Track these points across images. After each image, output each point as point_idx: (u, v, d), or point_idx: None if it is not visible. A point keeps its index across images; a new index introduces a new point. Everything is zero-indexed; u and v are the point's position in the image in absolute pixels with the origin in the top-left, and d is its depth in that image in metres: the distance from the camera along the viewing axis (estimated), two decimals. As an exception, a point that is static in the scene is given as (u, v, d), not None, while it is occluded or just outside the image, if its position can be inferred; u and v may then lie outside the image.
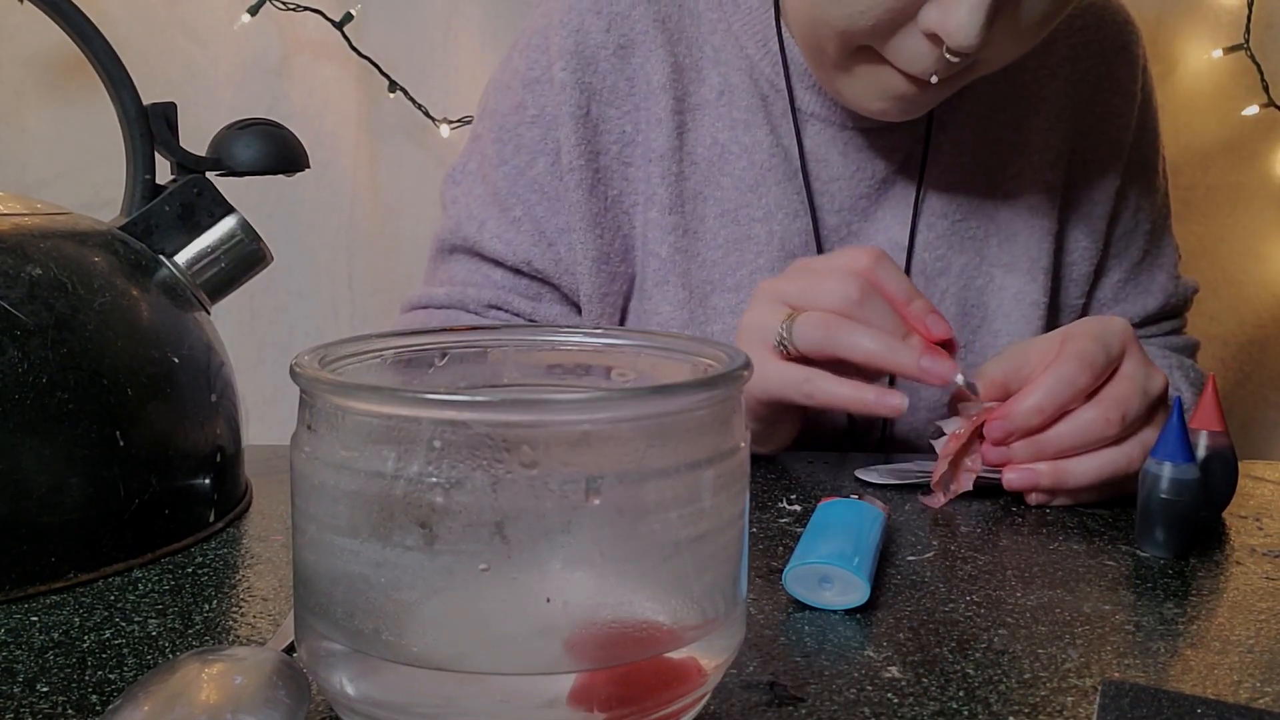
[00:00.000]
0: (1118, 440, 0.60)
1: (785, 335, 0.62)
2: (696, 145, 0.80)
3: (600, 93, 0.80)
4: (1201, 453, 0.57)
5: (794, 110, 0.80)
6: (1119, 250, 0.88)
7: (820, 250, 0.81)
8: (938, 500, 0.60)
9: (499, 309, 0.84)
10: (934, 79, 0.68)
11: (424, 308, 0.86)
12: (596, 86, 0.79)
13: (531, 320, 0.84)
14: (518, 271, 0.83)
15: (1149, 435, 0.60)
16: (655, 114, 0.79)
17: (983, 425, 0.60)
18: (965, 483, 0.61)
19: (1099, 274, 0.88)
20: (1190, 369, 0.88)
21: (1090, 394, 0.59)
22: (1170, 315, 0.92)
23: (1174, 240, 0.92)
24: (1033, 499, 0.61)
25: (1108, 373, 0.60)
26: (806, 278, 0.63)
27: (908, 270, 0.81)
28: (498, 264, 0.83)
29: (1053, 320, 0.85)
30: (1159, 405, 0.61)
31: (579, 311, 0.84)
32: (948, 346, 0.62)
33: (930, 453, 0.71)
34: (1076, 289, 0.86)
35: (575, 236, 0.80)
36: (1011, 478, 0.60)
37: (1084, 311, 0.88)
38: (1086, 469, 0.60)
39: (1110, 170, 0.85)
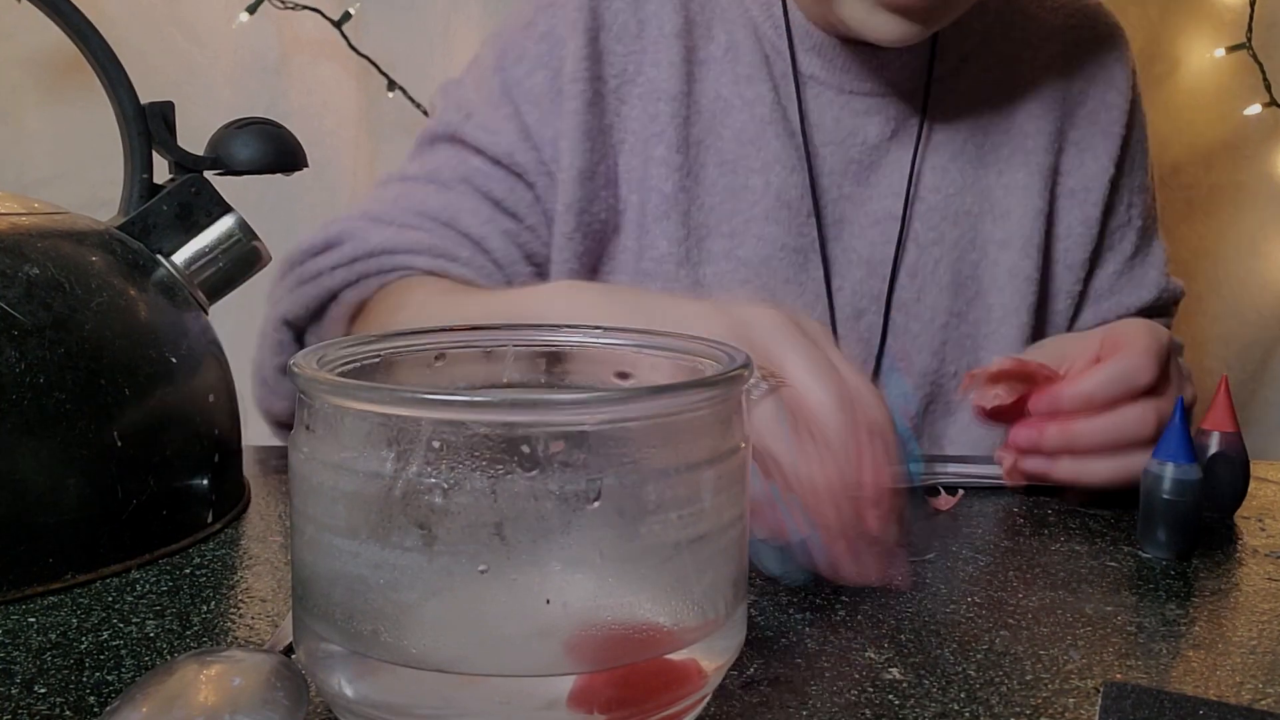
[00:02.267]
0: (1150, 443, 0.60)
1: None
2: (701, 96, 0.83)
3: (610, 27, 0.82)
4: (1213, 453, 0.57)
5: (795, 72, 0.83)
6: (1113, 243, 0.90)
7: (816, 205, 0.82)
8: (945, 502, 0.60)
9: (472, 184, 0.82)
10: None
11: (395, 182, 0.85)
12: (608, 21, 0.82)
13: (501, 205, 0.82)
14: (497, 163, 0.83)
15: None
16: (665, 57, 0.82)
17: (1042, 377, 0.60)
18: (988, 398, 0.61)
19: (1095, 264, 0.90)
20: (1182, 367, 0.90)
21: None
22: (1160, 313, 0.94)
23: (1163, 242, 0.95)
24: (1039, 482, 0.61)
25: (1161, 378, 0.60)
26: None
27: (901, 240, 0.83)
28: (479, 152, 0.83)
29: (1044, 296, 0.87)
30: (1188, 402, 0.62)
31: (549, 226, 0.83)
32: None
33: (929, 459, 0.72)
34: (1071, 274, 0.88)
35: (565, 146, 0.81)
36: (1026, 464, 0.60)
37: (1080, 300, 0.90)
38: (1101, 470, 0.60)
39: (1104, 159, 0.88)
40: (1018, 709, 0.37)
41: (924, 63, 0.84)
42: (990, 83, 0.86)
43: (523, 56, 0.83)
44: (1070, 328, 0.88)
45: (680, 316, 0.51)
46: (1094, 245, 0.88)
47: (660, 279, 0.82)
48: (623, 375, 0.40)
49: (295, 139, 0.60)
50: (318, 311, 0.77)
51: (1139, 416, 0.59)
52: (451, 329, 0.40)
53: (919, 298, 0.83)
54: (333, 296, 0.77)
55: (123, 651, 0.41)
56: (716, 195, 0.82)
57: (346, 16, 1.23)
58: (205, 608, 0.45)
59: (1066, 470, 0.60)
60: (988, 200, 0.85)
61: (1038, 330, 0.86)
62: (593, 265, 0.84)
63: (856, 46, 0.82)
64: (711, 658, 0.33)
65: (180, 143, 0.58)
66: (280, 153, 0.59)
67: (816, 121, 0.83)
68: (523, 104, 0.82)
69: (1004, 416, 0.62)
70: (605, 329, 0.41)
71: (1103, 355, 0.61)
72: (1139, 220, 0.91)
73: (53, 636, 0.42)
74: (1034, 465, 0.60)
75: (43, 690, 0.38)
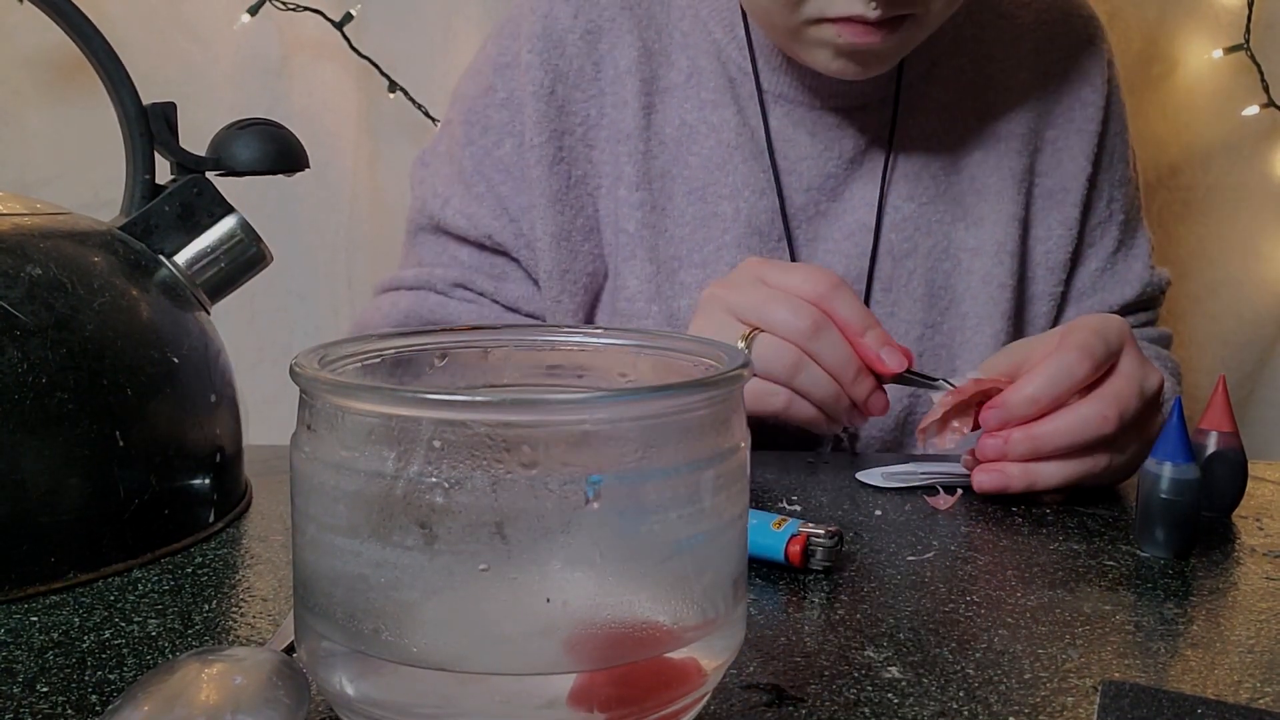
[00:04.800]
0: (1112, 440, 0.60)
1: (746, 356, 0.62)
2: (665, 126, 0.83)
3: (566, 75, 0.82)
4: (1211, 453, 0.57)
5: (760, 92, 0.82)
6: (1094, 240, 0.89)
7: (787, 229, 0.82)
8: (943, 502, 0.61)
9: (464, 288, 0.85)
10: (874, 12, 0.69)
11: (395, 289, 0.88)
12: (563, 69, 0.82)
13: (495, 299, 0.85)
14: (481, 247, 0.85)
15: (1120, 457, 0.61)
16: (622, 96, 0.82)
17: (984, 393, 0.61)
18: (947, 440, 0.62)
19: (1076, 263, 0.89)
20: (1168, 360, 0.90)
21: (1088, 389, 0.60)
22: (1146, 306, 0.93)
23: (1147, 233, 0.94)
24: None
25: (1106, 366, 0.60)
26: (759, 294, 0.64)
27: (875, 251, 0.83)
28: (462, 241, 0.85)
29: (1020, 304, 0.86)
30: (1154, 405, 0.61)
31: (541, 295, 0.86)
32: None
33: (929, 458, 0.72)
34: (1053, 276, 0.87)
35: (536, 213, 0.82)
36: (982, 480, 0.61)
37: (1062, 301, 0.89)
38: (1052, 474, 0.60)
39: (1080, 158, 0.87)
40: (1016, 708, 0.38)
41: (893, 70, 0.82)
42: (962, 86, 0.85)
43: (488, 127, 0.84)
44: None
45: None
46: (1075, 245, 0.87)
47: (633, 317, 0.82)
48: (622, 375, 0.40)
49: (297, 140, 0.60)
50: None
51: (1096, 413, 0.59)
52: (452, 329, 0.40)
53: (894, 311, 0.83)
54: None
55: (124, 650, 0.41)
56: (686, 226, 0.82)
57: (348, 18, 1.23)
58: (207, 607, 0.46)
59: (1019, 481, 0.60)
60: (960, 207, 0.84)
61: (1017, 336, 0.84)
62: (588, 318, 0.85)
63: None
64: (711, 657, 0.33)
65: (182, 143, 0.58)
66: (282, 154, 0.59)
67: (789, 139, 0.82)
68: (494, 175, 0.84)
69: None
70: (605, 329, 0.41)
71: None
72: (1120, 214, 0.90)
73: (55, 635, 0.42)
74: (990, 480, 0.60)
75: (45, 689, 0.38)
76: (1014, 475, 0.60)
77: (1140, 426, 0.61)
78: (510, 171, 0.83)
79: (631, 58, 0.82)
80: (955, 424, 0.62)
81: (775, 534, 0.49)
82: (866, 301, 0.83)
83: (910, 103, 0.84)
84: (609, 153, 0.82)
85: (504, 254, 0.85)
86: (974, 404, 0.61)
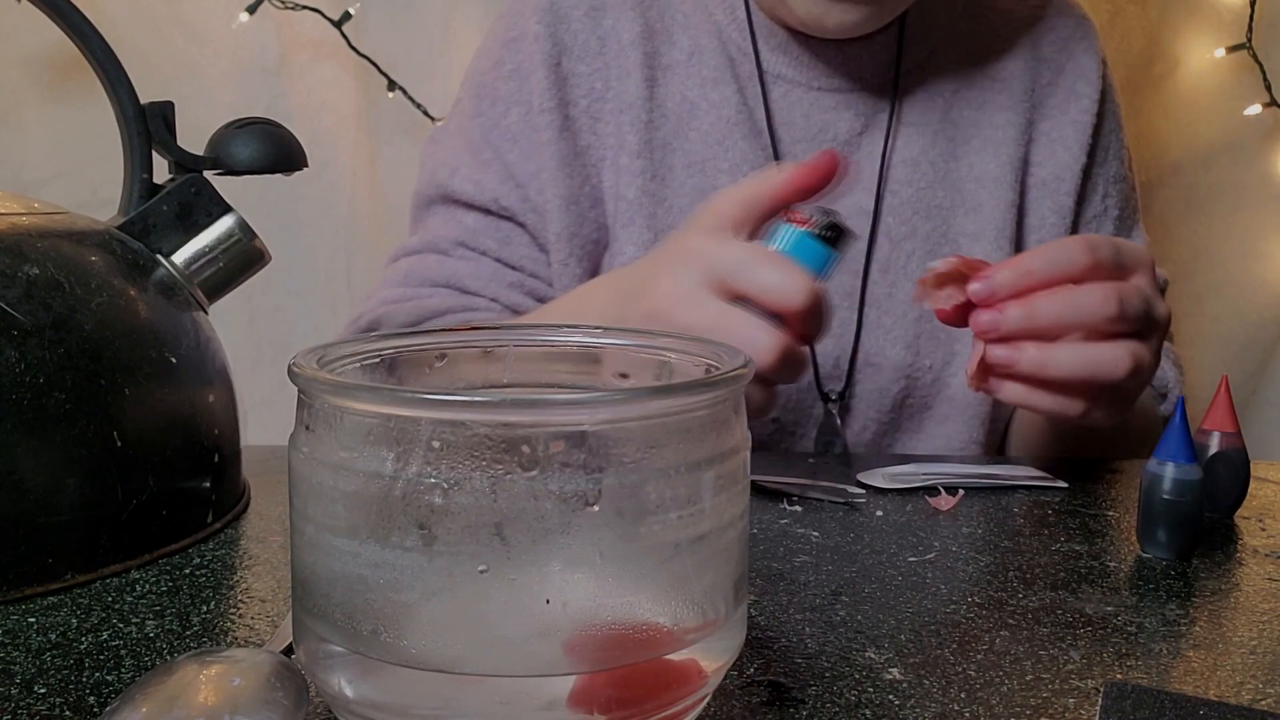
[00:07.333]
0: (1110, 335, 0.58)
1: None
2: (666, 100, 0.84)
3: (571, 49, 0.84)
4: (1214, 453, 0.57)
5: (760, 72, 0.84)
6: (1088, 234, 0.90)
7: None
8: (944, 503, 0.60)
9: (466, 246, 0.86)
10: None
11: (402, 256, 0.90)
12: (568, 43, 0.84)
13: (498, 258, 0.86)
14: (487, 212, 0.86)
15: (1142, 350, 0.58)
16: (625, 68, 0.83)
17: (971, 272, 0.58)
18: (940, 300, 0.58)
19: None
20: (1169, 352, 0.91)
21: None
22: None
23: (1144, 235, 0.94)
24: (1005, 394, 0.59)
25: (1111, 272, 0.58)
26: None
27: (873, 234, 0.84)
28: (470, 208, 0.86)
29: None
30: (1160, 326, 0.60)
31: (548, 261, 0.86)
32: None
33: (929, 458, 0.72)
34: None
35: (545, 177, 0.83)
36: (996, 352, 0.58)
37: None
38: (1066, 358, 0.57)
39: (1074, 148, 0.88)
40: (1018, 709, 0.37)
41: (891, 56, 0.84)
42: (959, 75, 0.87)
43: (496, 98, 0.85)
44: None
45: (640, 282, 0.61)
46: (1067, 235, 0.88)
47: None
48: (623, 375, 0.40)
49: (295, 139, 0.60)
50: None
51: (1101, 295, 0.57)
52: (452, 329, 0.40)
53: (891, 293, 0.83)
54: None
55: (122, 652, 0.41)
56: (685, 197, 0.83)
57: (346, 16, 1.23)
58: (205, 608, 0.45)
59: (1031, 359, 0.57)
60: (959, 193, 0.85)
61: None
62: None
63: (822, 43, 0.83)
64: (711, 658, 0.33)
65: (180, 143, 0.58)
66: (280, 153, 0.59)
67: (786, 119, 0.84)
68: (502, 144, 0.85)
69: (964, 318, 0.59)
70: (605, 329, 0.41)
71: None
72: (1115, 210, 0.91)
73: (52, 637, 0.42)
74: (999, 354, 0.57)
75: (42, 690, 0.38)
76: (1029, 352, 0.57)
77: (1144, 336, 0.59)
78: (518, 139, 0.84)
79: (635, 32, 0.84)
80: (951, 290, 0.58)
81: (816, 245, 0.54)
82: (864, 284, 0.83)
83: (908, 88, 0.85)
84: (613, 124, 0.84)
85: (510, 219, 0.86)
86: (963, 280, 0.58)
